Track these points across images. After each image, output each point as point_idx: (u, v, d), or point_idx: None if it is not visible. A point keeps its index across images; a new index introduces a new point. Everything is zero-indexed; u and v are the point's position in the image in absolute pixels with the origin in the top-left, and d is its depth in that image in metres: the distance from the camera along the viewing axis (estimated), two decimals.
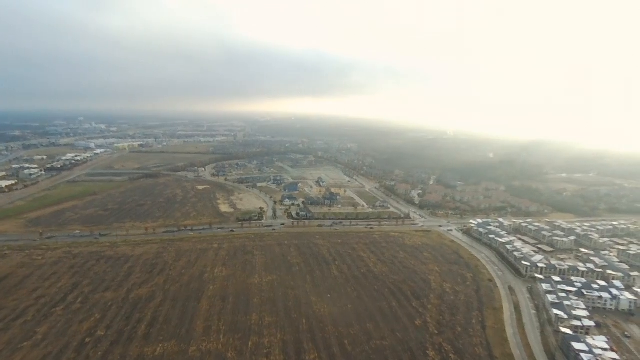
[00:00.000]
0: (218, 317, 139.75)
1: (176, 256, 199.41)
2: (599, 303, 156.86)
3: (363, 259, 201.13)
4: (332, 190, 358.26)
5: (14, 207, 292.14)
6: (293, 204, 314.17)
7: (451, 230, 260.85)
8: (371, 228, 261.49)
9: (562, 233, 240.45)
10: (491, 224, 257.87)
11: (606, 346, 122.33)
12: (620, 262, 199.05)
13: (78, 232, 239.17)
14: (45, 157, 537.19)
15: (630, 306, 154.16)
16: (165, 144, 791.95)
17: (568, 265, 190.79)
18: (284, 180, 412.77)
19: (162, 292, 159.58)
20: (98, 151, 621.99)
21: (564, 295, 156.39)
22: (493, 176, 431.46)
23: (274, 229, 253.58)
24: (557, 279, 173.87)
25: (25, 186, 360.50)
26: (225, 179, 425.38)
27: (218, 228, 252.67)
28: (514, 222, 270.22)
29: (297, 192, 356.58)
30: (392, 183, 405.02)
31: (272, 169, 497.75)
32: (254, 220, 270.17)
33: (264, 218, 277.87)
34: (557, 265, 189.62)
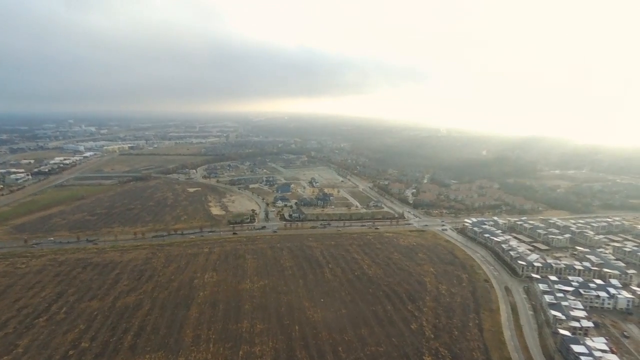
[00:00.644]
0: (208, 325, 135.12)
1: (165, 262, 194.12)
2: (597, 302, 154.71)
3: (357, 261, 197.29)
4: (326, 190, 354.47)
5: None
6: (286, 205, 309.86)
7: (446, 229, 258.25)
8: (365, 229, 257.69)
9: (557, 231, 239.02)
10: (486, 222, 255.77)
11: (606, 348, 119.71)
12: (616, 259, 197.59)
13: (64, 239, 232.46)
14: (32, 161, 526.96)
15: (628, 305, 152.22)
16: (156, 145, 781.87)
17: (564, 264, 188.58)
18: (277, 181, 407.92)
19: (150, 299, 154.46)
20: (87, 154, 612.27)
21: (561, 295, 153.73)
22: (487, 174, 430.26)
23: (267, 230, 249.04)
24: (553, 278, 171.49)
25: (11, 191, 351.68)
26: (217, 181, 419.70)
27: (209, 232, 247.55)
28: (509, 220, 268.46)
29: (290, 193, 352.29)
30: (386, 182, 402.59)
31: (264, 170, 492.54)
32: (246, 223, 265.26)
33: (256, 220, 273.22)
34: (553, 264, 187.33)
